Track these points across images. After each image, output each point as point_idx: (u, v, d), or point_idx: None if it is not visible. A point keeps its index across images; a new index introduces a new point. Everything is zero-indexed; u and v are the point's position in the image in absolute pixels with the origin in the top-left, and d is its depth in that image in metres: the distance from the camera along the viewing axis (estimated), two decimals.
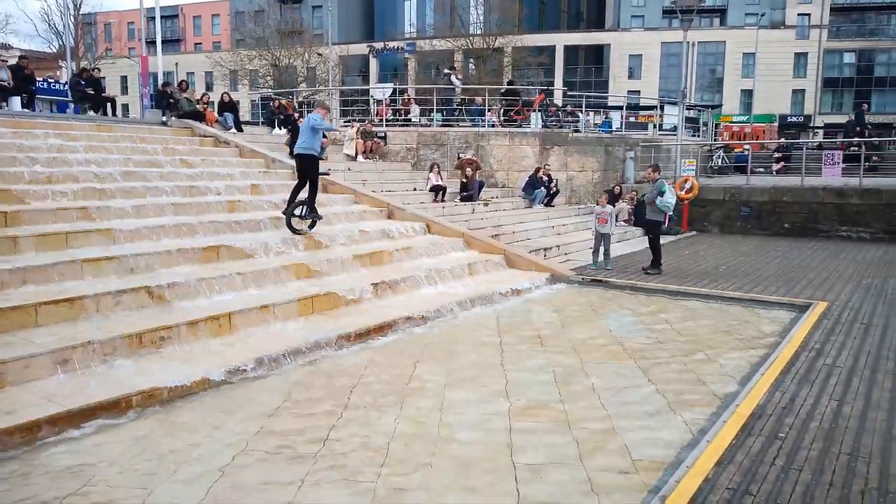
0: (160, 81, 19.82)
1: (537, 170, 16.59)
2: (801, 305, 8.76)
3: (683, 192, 16.28)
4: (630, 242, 14.81)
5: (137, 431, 4.78)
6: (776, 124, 46.81)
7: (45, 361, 5.39)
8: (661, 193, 10.92)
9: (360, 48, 55.85)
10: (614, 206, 14.10)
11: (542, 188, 16.36)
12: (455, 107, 21.08)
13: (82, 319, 6.27)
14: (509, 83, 24.79)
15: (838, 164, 17.79)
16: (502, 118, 19.19)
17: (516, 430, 4.86)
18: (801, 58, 49.92)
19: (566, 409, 5.30)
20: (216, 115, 16.70)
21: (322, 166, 10.77)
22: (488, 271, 10.69)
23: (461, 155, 16.99)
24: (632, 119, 28.73)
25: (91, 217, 8.76)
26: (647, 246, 11.45)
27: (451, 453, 4.50)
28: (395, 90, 24.79)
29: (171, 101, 16.29)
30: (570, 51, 52.01)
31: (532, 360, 6.61)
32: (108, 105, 17.35)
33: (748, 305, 9.06)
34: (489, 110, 19.48)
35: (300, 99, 25.19)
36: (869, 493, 3.74)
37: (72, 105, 19.23)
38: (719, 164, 23.60)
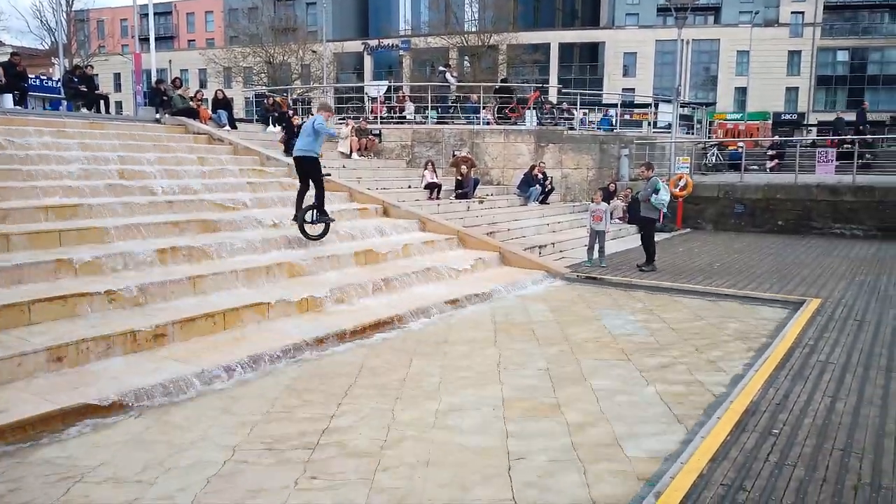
0: (153, 78, 19.75)
1: (532, 167, 16.59)
2: (795, 302, 8.79)
3: (678, 190, 16.33)
4: (625, 240, 14.84)
5: (131, 430, 4.76)
6: (770, 122, 47.01)
7: (39, 359, 5.36)
8: (656, 191, 10.95)
9: (355, 45, 55.76)
10: (609, 203, 14.12)
11: (537, 186, 16.37)
12: (450, 104, 21.06)
13: (76, 317, 6.24)
14: (503, 81, 24.77)
15: (832, 161, 17.86)
16: (497, 116, 19.18)
17: (511, 426, 4.86)
18: (794, 56, 50.15)
19: (561, 406, 5.30)
20: (210, 112, 16.63)
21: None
22: (483, 269, 10.69)
23: (456, 152, 17.00)
24: (626, 117, 28.77)
25: (84, 215, 8.71)
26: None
27: (448, 451, 4.50)
28: (389, 87, 24.73)
29: (165, 98, 16.22)
30: (565, 48, 52.07)
31: (527, 357, 6.61)
32: (102, 102, 17.26)
33: (742, 302, 9.10)
34: (484, 108, 19.47)
35: (294, 96, 25.13)
36: (862, 489, 3.76)
37: (65, 102, 19.11)
38: (713, 161, 23.66)
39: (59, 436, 4.59)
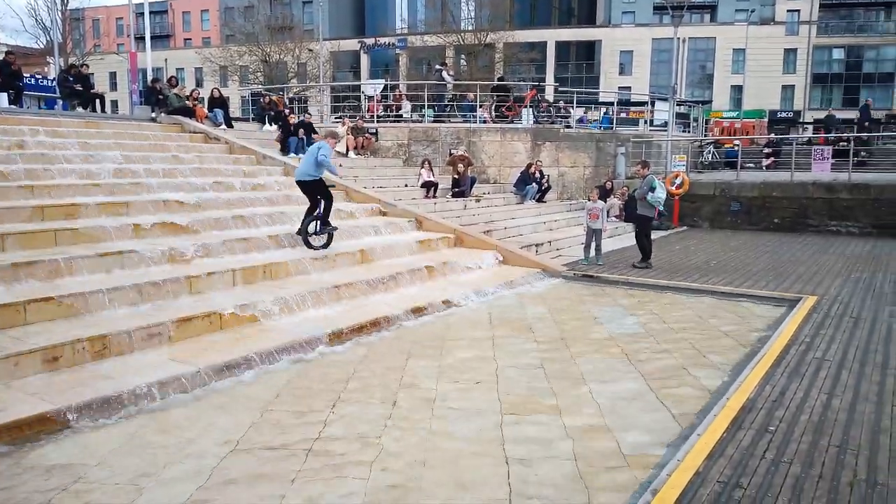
0: (149, 77, 19.69)
1: (529, 166, 16.60)
2: (791, 300, 8.81)
3: (674, 188, 16.35)
4: (621, 238, 14.85)
5: (128, 429, 4.75)
6: (766, 120, 47.09)
7: (35, 359, 5.35)
8: (653, 189, 10.96)
9: (351, 44, 55.64)
10: (606, 201, 14.14)
11: (534, 184, 16.38)
12: (446, 103, 21.04)
13: (72, 317, 6.23)
14: (499, 79, 24.76)
15: (827, 159, 17.92)
16: (494, 114, 19.18)
17: (508, 425, 4.86)
18: (790, 54, 50.22)
19: (558, 402, 5.31)
20: (206, 111, 16.59)
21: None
22: (480, 267, 10.69)
23: (453, 151, 17.00)
24: (623, 115, 28.77)
25: (80, 214, 8.69)
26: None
27: (444, 448, 4.50)
28: (386, 86, 24.69)
29: (161, 97, 16.17)
30: (562, 47, 52.07)
31: (524, 355, 6.62)
32: (97, 101, 17.21)
33: (738, 300, 9.11)
34: (481, 106, 19.46)
35: (291, 95, 25.09)
36: (857, 485, 3.78)
37: (60, 101, 19.05)
38: (709, 159, 23.70)
39: (57, 435, 4.58)
